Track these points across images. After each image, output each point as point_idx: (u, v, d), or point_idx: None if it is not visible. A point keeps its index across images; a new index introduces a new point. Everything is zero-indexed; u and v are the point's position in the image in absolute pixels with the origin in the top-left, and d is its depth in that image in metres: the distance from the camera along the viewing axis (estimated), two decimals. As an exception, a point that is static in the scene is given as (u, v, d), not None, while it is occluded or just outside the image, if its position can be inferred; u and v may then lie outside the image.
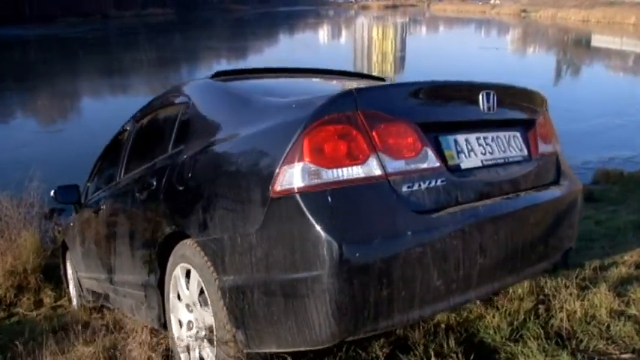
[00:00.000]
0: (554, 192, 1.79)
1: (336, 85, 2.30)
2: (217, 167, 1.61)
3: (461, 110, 1.63)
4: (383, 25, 44.84)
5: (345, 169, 1.33)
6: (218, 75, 2.17)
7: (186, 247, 1.65)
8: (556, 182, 1.87)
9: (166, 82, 17.85)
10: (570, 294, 2.16)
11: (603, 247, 3.38)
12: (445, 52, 25.91)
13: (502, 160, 1.69)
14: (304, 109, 1.39)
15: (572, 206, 1.87)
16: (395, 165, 1.39)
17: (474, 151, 1.62)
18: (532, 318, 1.95)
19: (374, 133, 1.38)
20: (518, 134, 1.80)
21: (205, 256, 1.53)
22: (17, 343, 2.42)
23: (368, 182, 1.34)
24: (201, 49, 30.07)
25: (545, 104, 1.99)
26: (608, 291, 2.14)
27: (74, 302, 3.77)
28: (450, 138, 1.57)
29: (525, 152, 1.80)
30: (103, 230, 2.59)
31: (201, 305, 1.63)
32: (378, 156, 1.37)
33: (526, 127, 1.85)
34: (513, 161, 1.73)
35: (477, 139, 1.64)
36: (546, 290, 2.25)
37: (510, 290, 2.28)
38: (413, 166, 1.42)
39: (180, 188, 1.71)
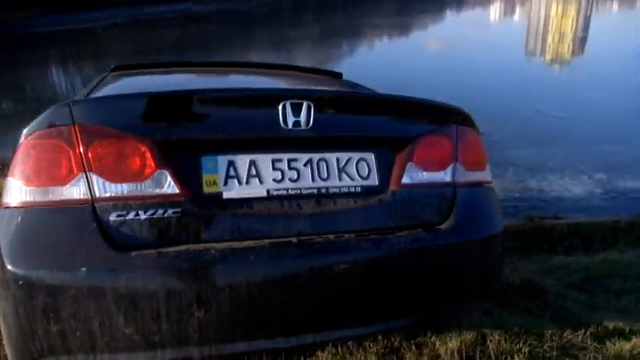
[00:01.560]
0: (404, 239, 1.40)
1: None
2: None
3: (250, 125, 1.33)
4: (564, 1, 40.10)
5: (46, 189, 1.22)
6: (116, 69, 2.10)
7: None
8: (432, 225, 1.46)
9: (326, 57, 18.47)
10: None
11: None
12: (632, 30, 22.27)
13: (314, 191, 1.37)
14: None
15: (455, 261, 1.46)
16: (110, 189, 1.24)
17: (259, 176, 1.34)
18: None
19: (89, 151, 1.23)
20: (370, 157, 1.44)
21: None
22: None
23: (66, 205, 1.22)
24: (365, 26, 30.12)
25: (452, 118, 1.56)
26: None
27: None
28: (222, 159, 1.32)
29: (376, 181, 1.44)
30: None
31: None
32: (87, 177, 1.22)
33: (392, 148, 1.47)
34: (341, 193, 1.39)
35: (275, 161, 1.36)
36: (476, 353, 1.84)
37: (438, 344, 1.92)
38: (135, 192, 1.25)
39: None
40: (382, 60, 17.23)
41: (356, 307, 1.40)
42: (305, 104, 1.34)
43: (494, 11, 38.96)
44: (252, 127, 1.34)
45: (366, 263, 1.35)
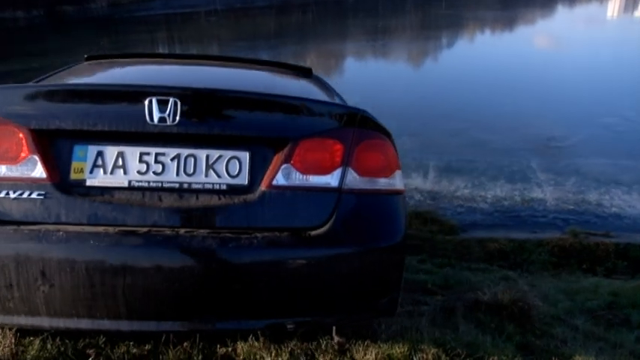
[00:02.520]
0: (260, 241, 1.36)
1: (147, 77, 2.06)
2: None
3: (121, 119, 1.38)
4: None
5: None
6: (89, 59, 2.24)
7: None
8: (302, 230, 1.39)
9: (422, 50, 18.15)
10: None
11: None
12: None
13: (176, 185, 1.40)
14: None
15: (324, 268, 1.41)
16: None
17: (124, 167, 1.39)
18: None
19: None
20: (244, 156, 1.42)
21: None
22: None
23: None
24: (467, 19, 29.05)
25: (347, 121, 1.47)
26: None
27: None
28: (92, 149, 1.40)
29: (245, 181, 1.40)
30: None
31: None
32: None
33: (271, 148, 1.43)
34: (204, 189, 1.39)
35: (143, 154, 1.40)
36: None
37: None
38: (10, 174, 1.35)
39: None
40: (480, 54, 16.55)
41: (198, 302, 1.38)
42: (171, 100, 1.36)
43: (613, 6, 35.61)
44: (122, 120, 1.38)
45: (209, 260, 1.34)
